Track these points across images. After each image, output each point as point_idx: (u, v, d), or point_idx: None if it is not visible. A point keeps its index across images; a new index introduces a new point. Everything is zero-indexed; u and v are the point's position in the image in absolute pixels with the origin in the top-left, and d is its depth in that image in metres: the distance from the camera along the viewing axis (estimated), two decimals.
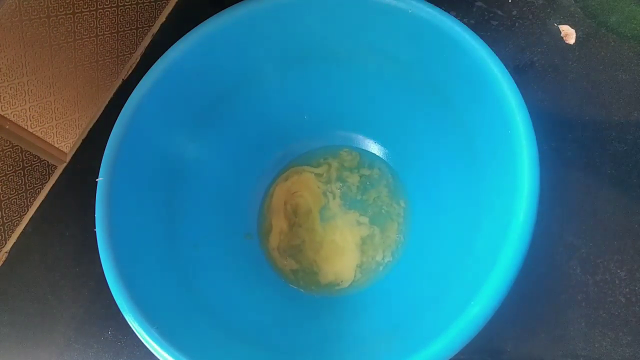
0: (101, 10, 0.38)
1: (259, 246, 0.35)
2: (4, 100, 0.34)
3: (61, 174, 0.40)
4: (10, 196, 0.38)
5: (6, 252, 0.39)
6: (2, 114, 0.34)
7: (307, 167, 0.36)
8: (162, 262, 0.29)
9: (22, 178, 0.38)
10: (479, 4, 0.38)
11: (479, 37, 0.26)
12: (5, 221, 0.38)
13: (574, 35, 0.36)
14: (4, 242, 0.39)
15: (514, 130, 0.24)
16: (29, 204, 0.40)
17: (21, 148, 0.37)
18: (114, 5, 0.39)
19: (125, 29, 0.41)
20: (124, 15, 0.40)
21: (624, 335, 0.29)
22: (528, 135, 0.24)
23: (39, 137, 0.38)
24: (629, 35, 0.35)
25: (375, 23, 0.29)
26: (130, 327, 0.25)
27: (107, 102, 0.41)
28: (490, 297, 0.21)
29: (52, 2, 0.34)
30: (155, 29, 0.43)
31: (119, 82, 0.42)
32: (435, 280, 0.28)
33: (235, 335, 0.28)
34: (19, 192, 0.38)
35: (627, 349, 0.29)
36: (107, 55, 0.40)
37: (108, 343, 0.35)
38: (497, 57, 0.25)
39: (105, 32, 0.39)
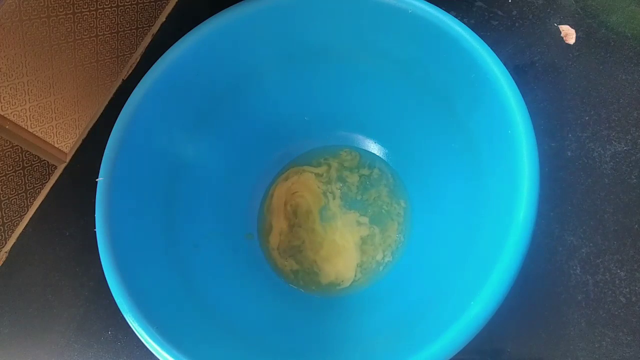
0: (101, 10, 0.38)
1: (259, 246, 0.35)
2: (4, 100, 0.34)
3: (61, 174, 0.40)
4: (10, 196, 0.38)
5: (6, 252, 0.39)
6: (2, 114, 0.34)
7: (307, 167, 0.36)
8: (162, 262, 0.29)
9: (22, 178, 0.38)
10: (479, 4, 0.38)
11: (479, 37, 0.26)
12: (5, 221, 0.38)
13: (574, 35, 0.36)
14: (4, 242, 0.39)
15: (514, 130, 0.24)
16: (29, 204, 0.40)
17: (21, 148, 0.37)
18: (114, 5, 0.39)
19: (125, 29, 0.41)
20: (124, 15, 0.40)
21: (624, 335, 0.29)
22: (528, 135, 0.24)
23: (39, 137, 0.38)
24: (629, 35, 0.35)
25: (375, 23, 0.29)
26: (130, 327, 0.25)
27: (107, 102, 0.41)
28: (490, 297, 0.21)
29: (52, 2, 0.34)
30: (155, 29, 0.43)
31: (119, 82, 0.42)
32: (436, 280, 0.28)
33: (236, 335, 0.28)
34: (19, 192, 0.38)
35: (627, 349, 0.29)
36: (107, 55, 0.40)
37: (108, 343, 0.35)
38: (497, 57, 0.25)
39: (105, 32, 0.39)
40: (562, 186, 0.32)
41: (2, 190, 0.37)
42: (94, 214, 0.27)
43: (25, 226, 0.39)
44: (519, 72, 0.35)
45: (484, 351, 0.30)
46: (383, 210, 0.34)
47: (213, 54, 0.30)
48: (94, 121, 0.41)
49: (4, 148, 0.36)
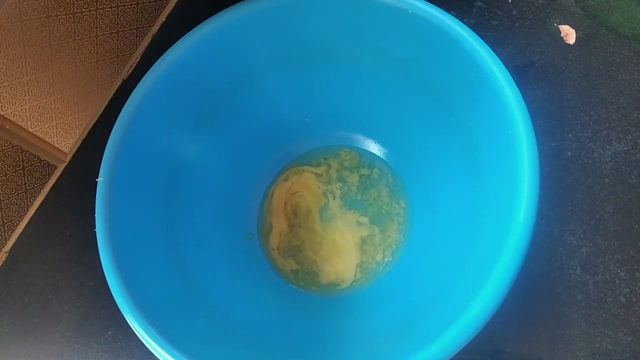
0: (101, 10, 0.38)
1: (259, 246, 0.35)
2: (4, 100, 0.34)
3: (61, 174, 0.40)
4: (10, 196, 0.38)
5: (6, 252, 0.39)
6: (2, 114, 0.34)
7: (307, 167, 0.36)
8: (162, 262, 0.29)
9: (22, 178, 0.38)
10: (479, 4, 0.38)
11: (479, 37, 0.26)
12: (5, 221, 0.38)
13: (574, 35, 0.36)
14: (4, 242, 0.39)
15: (514, 130, 0.24)
16: (29, 204, 0.40)
17: (21, 148, 0.37)
18: (114, 5, 0.39)
19: (125, 29, 0.41)
20: (124, 15, 0.40)
21: (624, 335, 0.29)
22: (528, 135, 0.24)
23: (39, 137, 0.38)
24: (629, 35, 0.35)
25: (375, 23, 0.29)
26: (130, 327, 0.25)
27: (107, 102, 0.41)
28: (490, 297, 0.21)
29: (52, 2, 0.34)
30: (155, 29, 0.43)
31: (119, 82, 0.42)
32: (436, 280, 0.28)
33: (236, 335, 0.28)
34: (19, 192, 0.38)
35: (627, 349, 0.29)
36: (107, 55, 0.40)
37: (108, 343, 0.35)
38: (497, 57, 0.25)
39: (105, 32, 0.39)
40: (562, 186, 0.32)
41: (2, 190, 0.37)
42: (94, 214, 0.27)
43: (25, 226, 0.39)
44: (519, 72, 0.35)
45: (484, 351, 0.30)
46: (383, 210, 0.34)
47: (213, 54, 0.30)
48: (94, 121, 0.41)
49: (4, 148, 0.36)
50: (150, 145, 0.30)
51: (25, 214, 0.40)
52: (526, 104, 0.24)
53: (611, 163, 0.32)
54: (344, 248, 0.34)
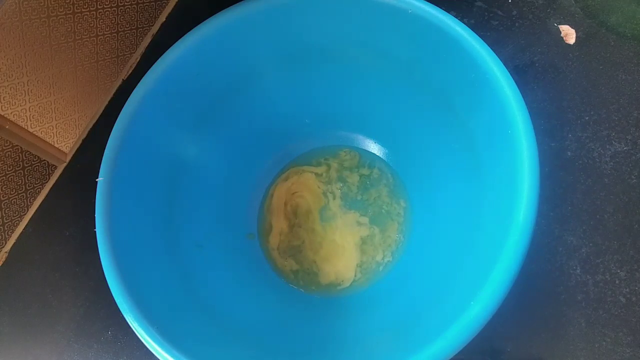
0: (101, 10, 0.38)
1: (259, 246, 0.35)
2: (4, 100, 0.34)
3: (61, 174, 0.40)
4: (10, 196, 0.38)
5: (6, 252, 0.39)
6: (2, 114, 0.34)
7: (307, 167, 0.36)
8: (162, 262, 0.29)
9: (22, 178, 0.38)
10: (479, 4, 0.38)
11: (479, 37, 0.26)
12: (5, 221, 0.38)
13: (574, 35, 0.36)
14: (4, 242, 0.39)
15: (514, 130, 0.24)
16: (29, 204, 0.40)
17: (21, 148, 0.37)
18: (114, 5, 0.39)
19: (125, 29, 0.41)
20: (124, 15, 0.40)
21: (624, 335, 0.29)
22: (528, 135, 0.24)
23: (39, 137, 0.38)
24: (629, 35, 0.35)
25: (375, 23, 0.29)
26: (130, 327, 0.25)
27: (107, 102, 0.41)
28: (490, 297, 0.21)
29: (52, 2, 0.34)
30: (155, 29, 0.43)
31: (119, 82, 0.42)
32: (436, 280, 0.28)
33: (236, 335, 0.28)
34: (19, 192, 0.38)
35: (627, 349, 0.29)
36: (107, 55, 0.40)
37: (108, 343, 0.35)
38: (497, 57, 0.25)
39: (105, 32, 0.39)
40: (562, 186, 0.32)
41: (2, 190, 0.37)
42: (94, 214, 0.27)
43: (25, 226, 0.39)
44: (519, 72, 0.35)
45: (484, 351, 0.30)
46: (383, 210, 0.34)
47: (213, 54, 0.30)
48: (94, 121, 0.41)
49: (4, 148, 0.36)
50: (150, 145, 0.30)
51: (25, 214, 0.40)
52: (526, 104, 0.24)
53: (611, 163, 0.32)
54: (344, 248, 0.34)
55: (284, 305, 0.33)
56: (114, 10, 0.39)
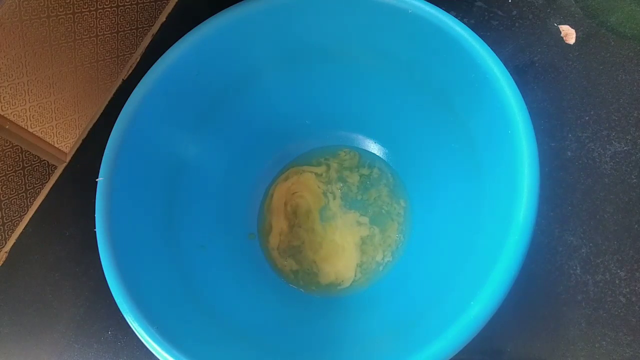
0: (101, 10, 0.38)
1: (259, 246, 0.35)
2: (4, 100, 0.34)
3: (61, 174, 0.40)
4: (10, 196, 0.38)
5: (6, 252, 0.39)
6: (2, 114, 0.34)
7: (307, 167, 0.36)
8: (163, 262, 0.29)
9: (22, 178, 0.38)
10: (479, 4, 0.38)
11: (479, 37, 0.26)
12: (5, 221, 0.38)
13: (574, 35, 0.36)
14: (4, 242, 0.39)
15: (514, 130, 0.24)
16: (29, 204, 0.40)
17: (21, 148, 0.37)
18: (114, 5, 0.39)
19: (125, 29, 0.41)
20: (124, 15, 0.40)
21: (624, 335, 0.29)
22: (528, 135, 0.24)
23: (39, 137, 0.38)
24: (629, 35, 0.35)
25: (375, 23, 0.29)
26: (130, 327, 0.25)
27: (107, 102, 0.41)
28: (490, 297, 0.21)
29: (52, 2, 0.34)
30: (155, 29, 0.43)
31: (119, 82, 0.42)
32: (436, 280, 0.28)
33: (236, 335, 0.28)
34: (19, 192, 0.38)
35: (627, 349, 0.29)
36: (107, 55, 0.40)
37: (108, 343, 0.35)
38: (497, 57, 0.25)
39: (105, 32, 0.39)
40: (562, 186, 0.32)
41: (2, 190, 0.37)
42: (94, 214, 0.27)
43: (25, 226, 0.39)
44: (519, 72, 0.35)
45: (484, 351, 0.30)
46: (383, 211, 0.34)
47: (213, 54, 0.30)
48: (94, 121, 0.41)
49: (4, 148, 0.36)
50: (150, 145, 0.30)
51: (25, 214, 0.40)
52: (526, 104, 0.24)
53: (611, 163, 0.32)
54: (344, 248, 0.34)
55: (284, 305, 0.33)
56: (114, 10, 0.39)
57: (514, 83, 0.25)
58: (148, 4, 0.41)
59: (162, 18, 0.43)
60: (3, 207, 0.38)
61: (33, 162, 0.39)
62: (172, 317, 0.26)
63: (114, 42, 0.40)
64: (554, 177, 0.32)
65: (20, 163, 0.37)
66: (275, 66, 0.32)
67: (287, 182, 0.36)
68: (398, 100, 0.32)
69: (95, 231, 0.27)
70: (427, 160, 0.33)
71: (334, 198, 0.35)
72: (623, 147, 0.33)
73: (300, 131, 0.36)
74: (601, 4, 0.36)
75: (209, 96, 0.32)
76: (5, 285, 0.38)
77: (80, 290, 0.37)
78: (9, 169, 0.37)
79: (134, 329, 0.25)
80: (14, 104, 0.35)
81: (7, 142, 0.35)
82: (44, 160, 0.39)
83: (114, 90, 0.42)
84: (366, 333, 0.29)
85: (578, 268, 0.30)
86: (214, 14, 0.29)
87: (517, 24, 0.37)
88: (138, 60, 0.42)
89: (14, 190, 0.38)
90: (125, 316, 0.25)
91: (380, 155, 0.36)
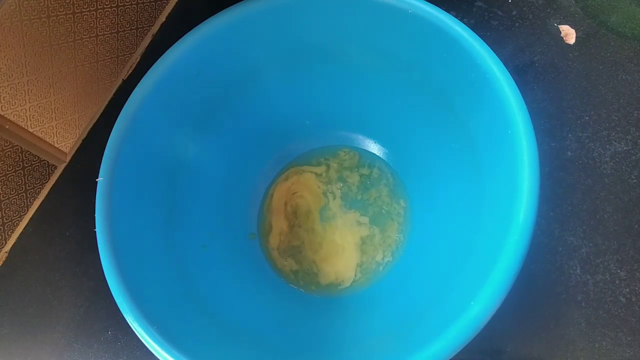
0: (101, 10, 0.38)
1: (259, 246, 0.35)
2: (4, 100, 0.34)
3: (61, 174, 0.40)
4: (10, 196, 0.38)
5: (6, 252, 0.39)
6: (2, 114, 0.34)
7: (307, 167, 0.36)
8: (163, 262, 0.29)
9: (22, 178, 0.38)
10: (479, 4, 0.38)
11: (479, 37, 0.26)
12: (5, 221, 0.38)
13: (574, 35, 0.36)
14: (4, 242, 0.39)
15: (514, 130, 0.24)
16: (29, 204, 0.40)
17: (21, 148, 0.37)
18: (114, 5, 0.39)
19: (125, 29, 0.41)
20: (124, 15, 0.40)
21: (624, 335, 0.29)
22: (528, 135, 0.24)
23: (39, 137, 0.38)
24: (629, 35, 0.35)
25: (375, 23, 0.29)
26: (130, 327, 0.25)
27: (107, 102, 0.41)
28: (490, 297, 0.21)
29: (52, 2, 0.34)
30: (155, 29, 0.43)
31: (119, 82, 0.42)
32: (436, 280, 0.28)
33: (236, 335, 0.28)
34: (19, 192, 0.38)
35: (627, 349, 0.29)
36: (107, 55, 0.40)
37: (108, 343, 0.35)
38: (497, 57, 0.25)
39: (105, 32, 0.39)
40: (562, 186, 0.32)
41: (2, 190, 0.37)
42: (94, 214, 0.27)
43: (25, 226, 0.39)
44: (519, 72, 0.35)
45: (484, 351, 0.30)
46: (383, 210, 0.34)
47: (213, 54, 0.30)
48: (94, 121, 0.41)
49: (4, 148, 0.36)
50: (150, 145, 0.30)
51: (25, 214, 0.40)
52: (526, 104, 0.24)
53: (611, 163, 0.32)
54: (344, 248, 0.34)
55: (284, 305, 0.33)
56: (114, 10, 0.39)
57: (514, 83, 0.25)
58: (148, 4, 0.41)
59: (162, 18, 0.43)
60: (3, 207, 0.38)
61: (33, 162, 0.39)
62: (172, 317, 0.26)
63: (114, 42, 0.40)
64: (554, 177, 0.32)
65: (20, 163, 0.37)
66: (275, 66, 0.32)
67: (287, 182, 0.36)
68: (398, 100, 0.32)
69: (95, 231, 0.27)
70: (427, 160, 0.33)
71: (334, 198, 0.35)
72: (623, 147, 0.33)
73: (300, 131, 0.36)
74: (601, 4, 0.36)
75: (209, 96, 0.32)
76: (5, 285, 0.38)
77: (80, 290, 0.37)
78: (9, 169, 0.37)
79: (134, 329, 0.25)
80: (14, 104, 0.35)
81: (7, 142, 0.35)
82: (44, 160, 0.39)
83: (114, 90, 0.42)
84: (366, 333, 0.29)
85: (578, 268, 0.30)
86: (214, 14, 0.29)
87: (517, 24, 0.37)
88: (138, 60, 0.42)
89: (14, 190, 0.38)
90: (125, 316, 0.25)
91: (380, 155, 0.36)
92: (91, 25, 0.38)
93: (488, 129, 0.26)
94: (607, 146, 0.33)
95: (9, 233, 0.39)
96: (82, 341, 0.35)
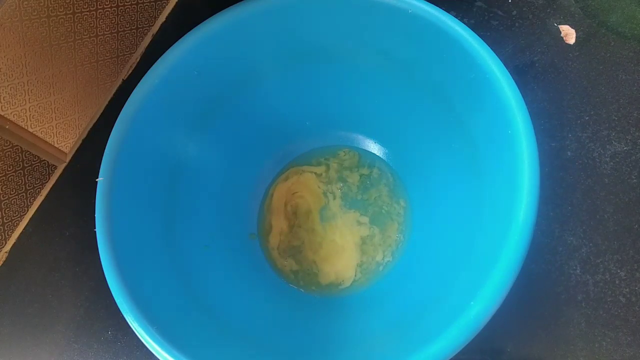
0: (101, 10, 0.38)
1: (259, 246, 0.35)
2: (4, 100, 0.34)
3: (61, 174, 0.40)
4: (10, 196, 0.38)
5: (6, 252, 0.39)
6: (2, 114, 0.34)
7: (307, 167, 0.36)
8: (162, 262, 0.29)
9: (22, 178, 0.38)
10: (479, 4, 0.38)
11: (479, 37, 0.26)
12: (5, 221, 0.38)
13: (574, 35, 0.36)
14: (4, 242, 0.39)
15: (514, 130, 0.24)
16: (29, 204, 0.40)
17: (21, 148, 0.37)
18: (114, 5, 0.39)
19: (125, 29, 0.41)
20: (124, 15, 0.40)
21: (624, 335, 0.29)
22: (528, 135, 0.24)
23: (39, 137, 0.38)
24: (629, 35, 0.35)
25: (375, 23, 0.29)
26: (130, 327, 0.25)
27: (107, 102, 0.41)
28: (490, 297, 0.21)
29: (52, 2, 0.34)
30: (155, 29, 0.43)
31: (119, 82, 0.42)
32: (436, 280, 0.28)
33: (236, 335, 0.28)
34: (19, 192, 0.38)
35: (627, 349, 0.29)
36: (107, 55, 0.40)
37: (108, 343, 0.35)
38: (497, 57, 0.25)
39: (105, 32, 0.39)
40: (562, 186, 0.32)
41: (2, 190, 0.37)
42: (94, 214, 0.27)
43: (25, 226, 0.39)
44: (519, 72, 0.35)
45: (484, 351, 0.30)
46: (383, 210, 0.34)
47: (213, 54, 0.30)
48: (94, 121, 0.41)
49: (4, 148, 0.36)
50: (150, 145, 0.30)
51: (25, 214, 0.40)
52: (526, 104, 0.24)
53: (611, 163, 0.32)
54: (344, 248, 0.34)
55: (284, 305, 0.33)
56: (114, 10, 0.39)
57: (514, 83, 0.25)
58: (148, 4, 0.41)
59: (162, 18, 0.43)
60: (3, 207, 0.38)
61: (33, 162, 0.39)
62: (172, 317, 0.26)
63: (114, 42, 0.40)
64: (554, 177, 0.32)
65: (20, 163, 0.37)
66: (275, 66, 0.32)
67: (287, 182, 0.36)
68: (398, 100, 0.32)
69: (95, 231, 0.27)
70: (427, 160, 0.33)
71: (334, 198, 0.35)
72: (623, 147, 0.33)
73: (300, 131, 0.36)
74: (601, 4, 0.36)
75: (209, 96, 0.32)
76: (5, 285, 0.38)
77: (80, 290, 0.37)
78: (9, 169, 0.37)
79: (134, 329, 0.25)
80: (14, 104, 0.35)
81: (7, 142, 0.35)
82: (44, 160, 0.39)
83: (114, 90, 0.42)
84: (366, 333, 0.29)
85: (578, 268, 0.30)
86: (214, 14, 0.29)
87: (517, 24, 0.37)
88: (138, 60, 0.42)
89: (14, 190, 0.38)
90: (125, 316, 0.25)
91: (380, 155, 0.36)
92: (91, 25, 0.38)
93: (488, 129, 0.26)
94: (607, 146, 0.33)
95: (9, 233, 0.39)
96: (82, 341, 0.35)
